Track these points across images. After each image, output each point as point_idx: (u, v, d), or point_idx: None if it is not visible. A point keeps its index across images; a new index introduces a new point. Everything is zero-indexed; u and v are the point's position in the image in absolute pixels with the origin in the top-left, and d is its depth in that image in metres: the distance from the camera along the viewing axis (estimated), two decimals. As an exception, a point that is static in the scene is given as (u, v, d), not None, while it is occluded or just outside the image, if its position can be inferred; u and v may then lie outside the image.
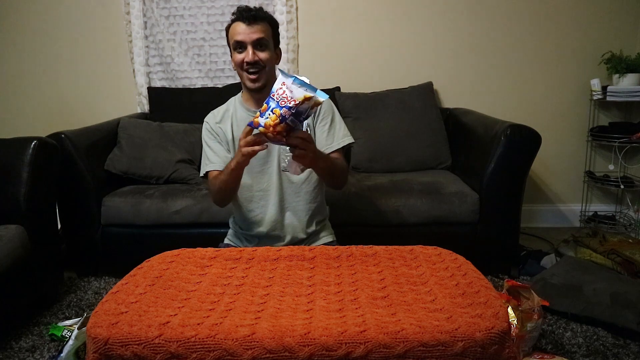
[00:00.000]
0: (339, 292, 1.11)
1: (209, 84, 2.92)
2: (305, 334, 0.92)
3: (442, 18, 2.85)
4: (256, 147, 1.31)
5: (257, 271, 1.24)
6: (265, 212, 1.61)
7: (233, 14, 1.52)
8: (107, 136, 2.45)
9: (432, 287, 1.12)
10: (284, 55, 2.48)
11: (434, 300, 1.06)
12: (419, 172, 2.50)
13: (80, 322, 1.65)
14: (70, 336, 1.60)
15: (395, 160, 2.57)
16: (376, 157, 2.58)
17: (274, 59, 1.56)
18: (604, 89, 2.68)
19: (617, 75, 2.67)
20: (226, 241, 1.72)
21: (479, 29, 2.86)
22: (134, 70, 2.93)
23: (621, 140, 2.62)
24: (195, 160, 2.45)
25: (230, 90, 2.36)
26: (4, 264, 1.66)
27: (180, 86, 2.92)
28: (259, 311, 1.02)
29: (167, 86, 2.93)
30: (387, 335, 0.91)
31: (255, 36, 1.48)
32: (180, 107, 2.75)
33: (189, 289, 1.14)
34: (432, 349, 0.90)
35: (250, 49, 1.48)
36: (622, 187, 2.72)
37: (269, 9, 2.73)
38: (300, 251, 1.35)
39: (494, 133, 2.09)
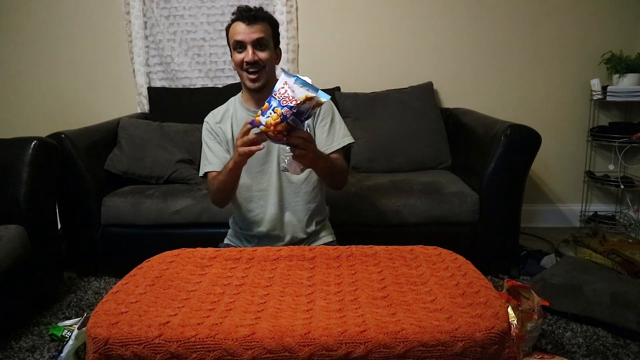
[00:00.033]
0: (339, 292, 1.11)
1: (209, 84, 2.92)
2: (305, 334, 0.92)
3: (442, 18, 2.86)
4: (253, 147, 1.31)
5: (257, 271, 1.24)
6: (264, 212, 1.61)
7: (233, 13, 1.52)
8: (107, 136, 2.45)
9: (432, 287, 1.12)
10: (284, 55, 2.48)
11: (434, 300, 1.06)
12: (419, 172, 2.50)
13: (80, 322, 1.65)
14: (70, 336, 1.60)
15: (395, 160, 2.57)
16: (376, 157, 2.58)
17: (274, 59, 1.56)
18: (604, 89, 2.68)
19: (617, 75, 2.67)
20: (226, 241, 1.72)
21: (479, 29, 2.86)
22: (134, 70, 2.93)
23: (621, 140, 2.62)
24: (195, 160, 2.45)
25: (230, 90, 2.36)
26: (4, 264, 1.66)
27: (180, 86, 2.92)
28: (259, 311, 1.02)
29: (167, 86, 2.93)
30: (387, 335, 0.91)
31: (255, 36, 1.48)
32: (180, 107, 2.75)
33: (189, 289, 1.14)
34: (432, 349, 0.90)
35: (250, 49, 1.48)
36: (622, 187, 2.72)
37: (269, 9, 2.72)
38: (300, 251, 1.35)
39: (494, 133, 2.09)
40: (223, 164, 1.55)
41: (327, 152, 1.56)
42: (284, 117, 1.18)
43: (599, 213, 2.88)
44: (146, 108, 2.91)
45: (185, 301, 1.08)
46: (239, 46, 1.50)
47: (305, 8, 2.86)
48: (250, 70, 1.50)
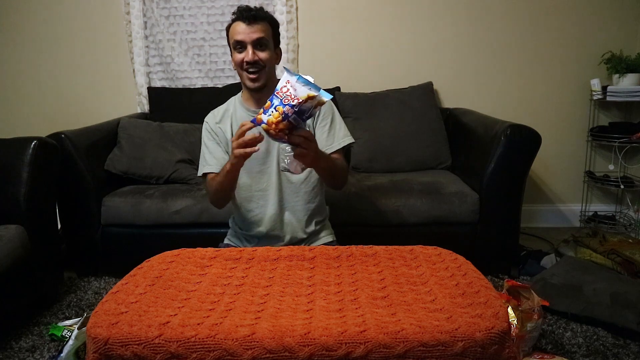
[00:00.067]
0: (339, 292, 1.11)
1: (209, 84, 2.92)
2: (305, 334, 0.92)
3: (442, 18, 2.86)
4: (248, 150, 1.32)
5: (257, 271, 1.24)
6: (264, 212, 1.61)
7: (233, 13, 1.52)
8: (107, 136, 2.45)
9: (432, 287, 1.12)
10: (284, 55, 2.48)
11: (434, 300, 1.06)
12: (419, 172, 2.50)
13: (80, 322, 1.65)
14: (70, 336, 1.60)
15: (395, 160, 2.57)
16: (376, 157, 2.58)
17: (274, 59, 1.57)
18: (604, 89, 2.68)
19: (617, 75, 2.67)
20: (226, 241, 1.72)
21: (479, 29, 2.86)
22: (134, 70, 2.93)
23: (621, 140, 2.62)
24: (195, 160, 2.45)
25: (230, 90, 2.36)
26: (4, 264, 1.66)
27: (180, 86, 2.92)
28: (259, 311, 1.02)
29: (167, 86, 2.93)
30: (387, 335, 0.91)
31: (255, 36, 1.48)
32: (180, 107, 2.75)
33: (189, 289, 1.14)
34: (432, 349, 0.90)
35: (250, 49, 1.48)
36: (622, 187, 2.72)
37: (269, 9, 2.72)
38: (300, 251, 1.35)
39: (494, 133, 2.09)
40: (221, 165, 1.55)
41: (328, 152, 1.56)
42: (285, 116, 1.18)
43: (599, 213, 2.88)
44: (146, 108, 2.91)
45: (185, 301, 1.08)
46: (239, 46, 1.51)
47: (305, 8, 2.86)
48: (250, 70, 1.50)
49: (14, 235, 1.75)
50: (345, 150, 1.66)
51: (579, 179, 2.95)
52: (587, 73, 2.82)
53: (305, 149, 1.27)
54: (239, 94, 1.65)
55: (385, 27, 2.88)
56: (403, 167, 2.56)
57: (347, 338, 0.91)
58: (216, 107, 1.68)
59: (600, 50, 2.78)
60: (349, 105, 2.66)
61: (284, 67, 1.31)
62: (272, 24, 1.55)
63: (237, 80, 2.69)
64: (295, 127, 1.22)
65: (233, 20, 1.52)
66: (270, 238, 1.63)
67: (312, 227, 1.65)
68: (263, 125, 1.21)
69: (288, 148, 1.55)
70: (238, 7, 1.52)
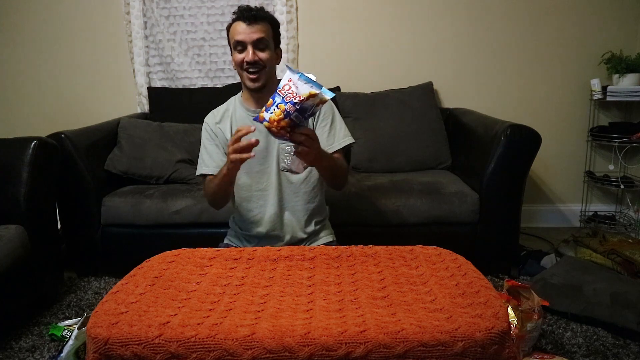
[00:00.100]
0: (339, 292, 1.11)
1: (209, 84, 2.92)
2: (305, 334, 0.92)
3: (442, 18, 2.86)
4: (244, 155, 1.32)
5: (257, 271, 1.24)
6: (264, 211, 1.61)
7: (234, 13, 1.52)
8: (107, 136, 2.45)
9: (432, 287, 1.12)
10: (284, 55, 2.48)
11: (434, 300, 1.06)
12: (419, 172, 2.50)
13: (80, 322, 1.65)
14: (70, 336, 1.60)
15: (395, 160, 2.57)
16: (376, 157, 2.58)
17: (274, 59, 1.57)
18: (604, 89, 2.68)
19: (617, 75, 2.67)
20: (226, 241, 1.72)
21: (479, 29, 2.86)
22: (134, 70, 2.93)
23: (621, 140, 2.62)
24: (195, 160, 2.43)
25: (230, 90, 2.36)
26: (4, 264, 1.66)
27: (180, 86, 2.92)
28: (259, 311, 1.02)
29: (167, 86, 2.93)
30: (387, 335, 0.91)
31: (256, 36, 1.48)
32: (180, 107, 2.75)
33: (189, 289, 1.14)
34: (432, 349, 0.90)
35: (250, 49, 1.48)
36: (622, 187, 2.72)
37: (269, 9, 2.71)
38: (300, 251, 1.35)
39: (494, 133, 2.09)
40: (219, 167, 1.55)
41: (328, 152, 1.56)
42: (287, 114, 1.18)
43: (599, 213, 2.88)
44: (146, 108, 2.91)
45: (185, 301, 1.08)
46: (239, 46, 1.50)
47: (305, 8, 2.86)
48: (251, 70, 1.50)
49: (14, 235, 1.75)
50: (345, 151, 1.66)
51: (579, 179, 2.95)
52: (587, 73, 2.82)
53: (308, 147, 1.27)
54: (239, 94, 1.65)
55: (385, 27, 2.88)
56: (403, 167, 2.56)
57: (347, 338, 0.91)
58: (216, 107, 1.68)
59: (600, 50, 2.78)
60: (349, 105, 2.66)
61: (287, 65, 1.31)
62: (273, 24, 1.55)
63: (237, 80, 2.68)
64: (297, 125, 1.22)
65: (233, 20, 1.52)
66: (270, 238, 1.63)
67: (312, 227, 1.65)
68: (265, 123, 1.21)
69: (288, 148, 1.56)
70: (239, 7, 1.52)
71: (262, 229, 1.62)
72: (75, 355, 1.56)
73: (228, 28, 1.55)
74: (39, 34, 2.92)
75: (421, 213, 2.15)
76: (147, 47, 2.91)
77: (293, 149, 1.55)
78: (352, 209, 2.14)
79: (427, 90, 2.74)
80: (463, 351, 0.91)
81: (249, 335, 0.92)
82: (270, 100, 1.21)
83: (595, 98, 2.76)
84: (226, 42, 1.59)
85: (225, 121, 1.62)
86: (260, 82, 1.52)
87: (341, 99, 2.67)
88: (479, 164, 2.15)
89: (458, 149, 2.56)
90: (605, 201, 2.98)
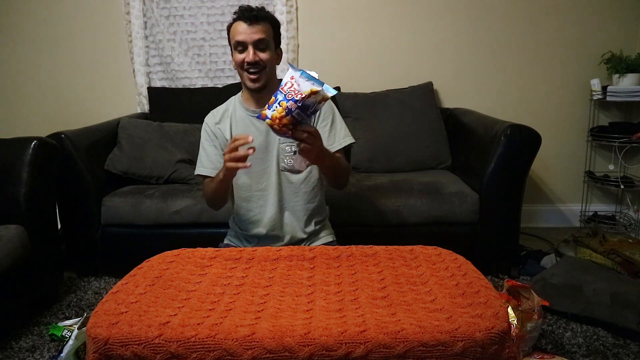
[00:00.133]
0: (339, 292, 1.11)
1: (209, 84, 2.92)
2: (305, 334, 0.92)
3: (442, 18, 2.86)
4: (239, 165, 1.33)
5: (257, 271, 1.24)
6: (264, 212, 1.61)
7: (235, 13, 1.52)
8: (107, 136, 2.45)
9: (432, 287, 1.12)
10: (284, 55, 2.48)
11: (434, 300, 1.06)
12: (419, 172, 2.50)
13: (80, 322, 1.65)
14: (70, 336, 1.60)
15: (395, 160, 2.57)
16: (376, 157, 2.58)
17: (275, 60, 1.57)
18: (604, 89, 2.68)
19: (617, 75, 2.67)
20: (226, 241, 1.72)
21: (479, 29, 2.86)
22: (134, 70, 2.93)
23: (621, 140, 2.62)
24: (195, 160, 2.45)
25: (230, 90, 2.36)
26: (4, 264, 1.66)
27: (180, 86, 2.92)
28: (259, 311, 1.02)
29: (167, 86, 2.93)
30: (387, 335, 0.91)
31: (257, 36, 1.48)
32: (180, 107, 2.74)
33: (189, 289, 1.14)
34: (432, 349, 0.90)
35: (251, 49, 1.48)
36: (622, 187, 2.72)
37: (269, 8, 2.70)
38: (300, 251, 1.35)
39: (494, 133, 2.09)
40: (216, 169, 1.57)
41: None
42: (289, 111, 1.18)
43: (599, 213, 2.88)
44: (146, 108, 2.91)
45: (185, 301, 1.08)
46: (240, 46, 1.50)
47: (305, 8, 2.86)
48: (251, 70, 1.50)
49: (14, 235, 1.75)
50: (345, 151, 1.66)
51: (579, 179, 2.95)
52: (587, 73, 2.82)
53: (310, 145, 1.27)
54: (239, 94, 1.65)
55: (385, 27, 2.88)
56: (403, 167, 2.56)
57: (347, 338, 0.91)
58: (216, 107, 1.68)
59: (600, 50, 2.78)
60: (349, 105, 2.66)
61: (289, 63, 1.31)
62: (274, 25, 1.55)
63: (237, 80, 2.68)
64: (299, 123, 1.22)
65: (234, 20, 1.52)
66: (270, 238, 1.63)
67: (312, 227, 1.65)
68: (267, 120, 1.21)
69: (288, 148, 1.56)
70: (240, 7, 1.52)
71: (262, 229, 1.62)
72: (75, 355, 1.56)
73: (229, 28, 1.55)
74: (39, 34, 2.92)
75: (421, 213, 2.15)
76: (147, 47, 2.91)
77: (293, 149, 1.56)
78: (352, 209, 2.14)
79: (427, 90, 2.74)
80: (463, 351, 0.91)
81: (249, 335, 0.92)
82: (273, 97, 1.21)
83: (595, 98, 2.76)
84: (226, 42, 1.59)
85: (224, 121, 1.62)
86: (261, 82, 1.52)
87: (341, 99, 2.67)
88: (479, 164, 2.15)
89: (458, 149, 2.56)
90: (605, 201, 2.98)
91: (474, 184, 2.19)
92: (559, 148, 2.89)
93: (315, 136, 1.28)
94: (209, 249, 1.38)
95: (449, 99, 2.92)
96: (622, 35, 2.81)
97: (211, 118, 1.65)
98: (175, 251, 1.36)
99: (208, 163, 1.62)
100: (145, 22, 2.88)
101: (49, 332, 1.78)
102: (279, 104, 1.19)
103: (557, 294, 1.87)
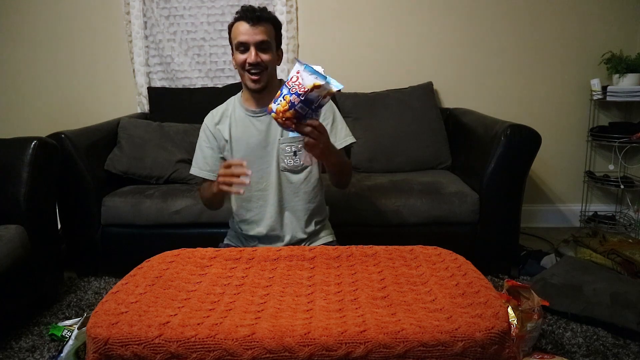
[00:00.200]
0: (339, 292, 1.11)
1: (209, 84, 2.92)
2: (305, 334, 0.92)
3: (442, 18, 2.85)
4: (232, 189, 1.36)
5: (257, 271, 1.24)
6: (264, 212, 1.61)
7: (237, 12, 1.51)
8: (107, 136, 2.45)
9: (432, 287, 1.12)
10: (284, 55, 2.48)
11: (434, 300, 1.06)
12: (419, 172, 2.50)
13: (80, 322, 1.65)
14: (70, 336, 1.60)
15: (395, 160, 2.57)
16: (376, 157, 2.58)
17: (276, 60, 1.56)
18: (604, 89, 2.68)
19: (617, 75, 2.67)
20: (226, 241, 1.72)
21: (479, 29, 2.86)
22: (134, 70, 2.93)
23: (621, 140, 2.62)
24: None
25: (230, 90, 2.36)
26: (4, 264, 1.66)
27: (180, 86, 2.92)
28: (259, 311, 1.02)
29: (167, 86, 2.93)
30: (387, 335, 0.91)
31: (259, 38, 1.48)
32: (180, 107, 2.74)
33: (189, 289, 1.14)
34: (432, 349, 0.90)
35: (253, 50, 1.48)
36: (622, 187, 2.72)
37: (269, 9, 2.71)
38: (300, 251, 1.35)
39: (494, 133, 2.09)
40: (212, 171, 1.61)
41: None
42: (291, 105, 1.19)
43: (599, 213, 2.88)
44: (146, 108, 2.91)
45: (185, 301, 1.08)
46: (242, 47, 1.50)
47: (305, 8, 2.86)
48: (253, 71, 1.50)
49: (14, 235, 1.75)
50: (346, 151, 1.66)
51: (579, 179, 2.95)
52: (587, 73, 2.82)
53: (315, 140, 1.27)
54: (239, 94, 1.65)
55: (386, 27, 2.88)
56: (403, 167, 2.56)
57: (347, 338, 0.91)
58: (216, 107, 1.68)
59: (600, 50, 2.78)
60: (349, 105, 2.66)
61: (295, 58, 1.32)
62: (275, 25, 1.55)
63: (237, 80, 2.68)
64: (303, 117, 1.22)
65: (236, 20, 1.51)
66: (270, 238, 1.63)
67: (312, 227, 1.65)
68: (272, 114, 1.22)
69: (288, 148, 1.56)
70: (242, 7, 1.51)
71: (262, 229, 1.62)
72: (75, 355, 1.56)
73: (230, 27, 1.54)
74: (39, 34, 2.92)
75: (421, 213, 2.15)
76: (147, 47, 2.91)
77: (293, 149, 1.56)
78: (352, 209, 2.14)
79: (427, 90, 2.74)
80: (463, 351, 0.91)
81: (249, 335, 0.92)
82: (279, 91, 1.22)
83: (595, 98, 2.76)
84: (226, 42, 1.59)
85: (224, 122, 1.62)
86: (262, 83, 1.52)
87: (341, 99, 2.67)
88: (479, 164, 2.15)
89: (458, 149, 2.56)
90: (605, 201, 2.98)
91: (474, 184, 2.19)
92: (559, 148, 2.89)
93: (320, 131, 1.28)
94: (209, 249, 1.38)
95: (449, 99, 2.92)
96: (622, 35, 2.81)
97: (210, 119, 1.65)
98: (175, 251, 1.36)
99: (204, 165, 1.63)
100: (145, 22, 2.88)
101: (49, 332, 1.78)
102: (283, 97, 1.20)
103: (557, 294, 1.87)
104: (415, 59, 2.90)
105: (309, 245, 1.64)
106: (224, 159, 1.65)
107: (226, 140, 1.61)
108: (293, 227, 1.62)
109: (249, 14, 1.48)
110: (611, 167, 2.81)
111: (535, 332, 1.58)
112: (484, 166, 2.09)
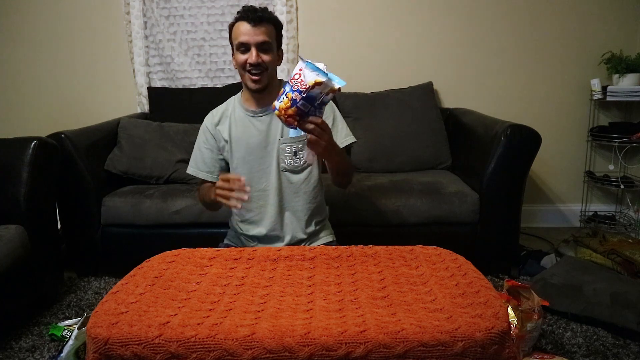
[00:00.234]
0: (339, 292, 1.11)
1: (209, 84, 2.92)
2: (305, 334, 0.92)
3: (442, 18, 2.85)
4: (230, 203, 1.36)
5: (257, 271, 1.24)
6: (264, 212, 1.61)
7: (238, 12, 1.51)
8: (107, 136, 2.45)
9: (432, 287, 1.12)
10: (284, 56, 2.48)
11: (434, 300, 1.06)
12: (419, 172, 2.50)
13: (80, 322, 1.65)
14: (70, 336, 1.60)
15: (395, 160, 2.57)
16: (376, 157, 2.58)
17: (276, 61, 1.56)
18: (604, 89, 2.68)
19: (617, 75, 2.67)
20: (226, 241, 1.73)
21: (479, 29, 2.86)
22: (134, 70, 2.93)
23: (621, 140, 2.62)
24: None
25: (230, 90, 2.36)
26: (4, 264, 1.66)
27: (180, 86, 2.92)
28: (259, 311, 1.02)
29: (167, 86, 2.93)
30: (387, 335, 0.91)
31: (260, 38, 1.48)
32: (180, 107, 2.74)
33: (189, 289, 1.14)
34: (432, 349, 0.90)
35: (254, 51, 1.47)
36: (622, 187, 2.72)
37: (268, 9, 2.72)
38: (300, 251, 1.35)
39: (494, 133, 2.09)
40: (210, 172, 1.62)
41: None
42: (294, 102, 1.19)
43: (599, 213, 2.88)
44: (146, 108, 2.91)
45: (185, 301, 1.08)
46: (243, 47, 1.49)
47: (305, 8, 2.86)
48: (254, 71, 1.49)
49: (14, 235, 1.75)
50: (346, 151, 1.66)
51: (579, 179, 2.95)
52: (587, 73, 2.82)
53: (317, 137, 1.27)
54: (239, 94, 1.65)
55: (385, 27, 2.88)
56: (403, 167, 2.56)
57: (347, 338, 0.91)
58: (216, 107, 1.68)
59: (600, 50, 2.78)
60: (349, 105, 2.66)
61: (299, 56, 1.32)
62: (276, 26, 1.54)
63: (237, 80, 2.68)
64: (305, 114, 1.22)
65: (237, 20, 1.51)
66: (270, 238, 1.63)
67: (312, 228, 1.65)
68: (275, 111, 1.23)
69: (288, 148, 1.56)
70: (243, 7, 1.51)
71: (262, 229, 1.62)
72: (75, 355, 1.56)
73: (231, 27, 1.54)
74: (39, 34, 2.92)
75: (421, 213, 2.15)
76: (147, 47, 2.91)
77: (294, 149, 1.56)
78: (352, 209, 2.14)
79: (427, 90, 2.74)
80: (463, 351, 0.91)
81: (249, 335, 0.92)
82: (282, 88, 1.23)
83: (595, 98, 2.76)
84: (226, 42, 1.59)
85: (224, 122, 1.62)
86: (262, 83, 1.51)
87: (341, 99, 2.67)
88: (479, 164, 2.15)
89: (458, 149, 2.56)
90: (605, 201, 2.98)
91: (474, 184, 2.19)
92: (559, 148, 2.89)
93: (323, 128, 1.27)
94: (209, 249, 1.38)
95: (449, 99, 2.92)
96: (622, 35, 2.81)
97: (210, 119, 1.65)
98: (175, 251, 1.36)
99: (203, 166, 1.64)
100: (145, 22, 2.88)
101: (49, 332, 1.78)
102: (285, 95, 1.20)
103: (557, 294, 1.87)
104: (415, 59, 2.90)
105: (309, 245, 1.64)
106: (224, 159, 1.65)
107: (226, 141, 1.61)
108: (293, 227, 1.62)
109: (250, 15, 1.47)
110: (611, 167, 2.81)
111: (535, 332, 1.58)
112: (484, 166, 2.09)
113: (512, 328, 1.47)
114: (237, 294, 1.11)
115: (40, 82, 2.98)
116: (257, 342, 0.91)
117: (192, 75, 2.91)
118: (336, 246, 1.39)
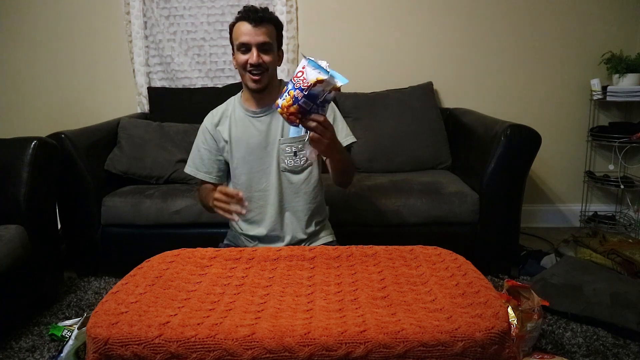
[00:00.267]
0: (339, 292, 1.11)
1: (209, 84, 2.92)
2: (305, 334, 0.92)
3: (442, 18, 2.85)
4: (226, 215, 1.38)
5: (257, 271, 1.24)
6: (264, 212, 1.61)
7: (239, 12, 1.51)
8: (107, 136, 2.45)
9: (432, 287, 1.12)
10: (284, 56, 2.48)
11: (434, 300, 1.06)
12: (419, 172, 2.50)
13: (80, 322, 1.65)
14: (70, 336, 1.60)
15: (395, 160, 2.57)
16: (376, 157, 2.58)
17: (277, 61, 1.56)
18: (604, 89, 2.68)
19: (617, 75, 2.67)
20: (226, 241, 1.73)
21: (479, 29, 2.86)
22: (134, 70, 2.93)
23: (621, 140, 2.62)
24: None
25: (230, 90, 2.36)
26: (4, 264, 1.66)
27: (180, 86, 2.92)
28: (259, 311, 1.02)
29: (167, 86, 2.93)
30: (387, 335, 0.91)
31: (261, 39, 1.47)
32: (180, 107, 2.74)
33: (189, 289, 1.14)
34: (432, 349, 0.90)
35: (255, 51, 1.47)
36: (622, 187, 2.72)
37: (269, 9, 2.72)
38: (300, 251, 1.35)
39: (494, 133, 2.09)
40: (209, 173, 1.63)
41: None
42: (295, 100, 1.19)
43: (599, 213, 2.88)
44: (146, 108, 2.91)
45: (185, 301, 1.08)
46: (243, 47, 1.49)
47: (305, 8, 2.86)
48: (254, 72, 1.49)
49: (14, 235, 1.75)
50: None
51: (579, 179, 2.95)
52: (587, 73, 2.82)
53: (320, 135, 1.26)
54: (239, 94, 1.65)
55: (386, 27, 2.88)
56: (403, 167, 2.56)
57: (347, 338, 0.91)
58: (216, 107, 1.68)
59: (600, 50, 2.78)
60: (349, 105, 2.66)
61: (302, 54, 1.32)
62: (277, 26, 1.54)
63: (237, 80, 2.68)
64: (307, 112, 1.22)
65: (238, 20, 1.51)
66: (270, 238, 1.63)
67: (312, 228, 1.65)
68: (278, 109, 1.23)
69: (288, 149, 1.56)
70: (244, 7, 1.50)
71: (262, 229, 1.62)
72: (75, 355, 1.56)
73: (231, 27, 1.53)
74: (39, 34, 2.92)
75: (421, 213, 2.15)
76: (147, 47, 2.91)
77: (294, 149, 1.56)
78: (352, 209, 2.14)
79: (427, 90, 2.74)
80: (463, 351, 0.91)
81: (249, 335, 0.92)
82: (285, 86, 1.23)
83: (595, 98, 2.76)
84: (226, 42, 1.59)
85: (224, 122, 1.62)
86: (263, 83, 1.51)
87: (341, 99, 2.67)
88: (479, 164, 2.15)
89: (458, 149, 2.56)
90: (605, 201, 2.98)
91: (474, 184, 2.19)
92: (559, 148, 2.90)
93: (325, 126, 1.27)
94: (209, 249, 1.38)
95: (449, 99, 2.92)
96: (622, 35, 2.81)
97: (210, 119, 1.65)
98: (175, 251, 1.36)
99: (201, 166, 1.64)
100: (145, 22, 2.88)
101: (49, 332, 1.78)
102: (288, 92, 1.20)
103: (557, 294, 1.87)
104: (415, 59, 2.90)
105: (309, 245, 1.64)
106: (223, 160, 1.65)
107: (226, 141, 1.61)
108: (293, 228, 1.62)
109: (251, 15, 1.47)
110: (611, 167, 2.81)
111: (535, 332, 1.58)
112: (484, 166, 2.09)
113: (512, 328, 1.47)
114: (237, 294, 1.11)
115: (40, 82, 2.98)
116: (257, 342, 0.91)
117: (192, 75, 2.91)
118: (336, 246, 1.39)
